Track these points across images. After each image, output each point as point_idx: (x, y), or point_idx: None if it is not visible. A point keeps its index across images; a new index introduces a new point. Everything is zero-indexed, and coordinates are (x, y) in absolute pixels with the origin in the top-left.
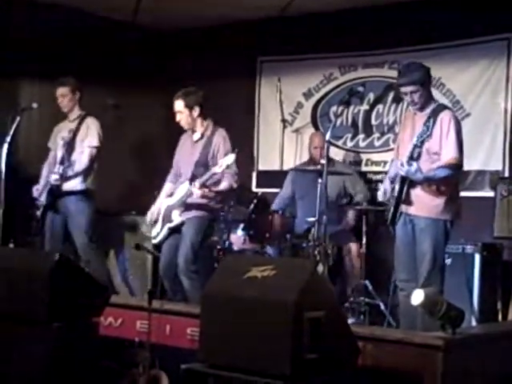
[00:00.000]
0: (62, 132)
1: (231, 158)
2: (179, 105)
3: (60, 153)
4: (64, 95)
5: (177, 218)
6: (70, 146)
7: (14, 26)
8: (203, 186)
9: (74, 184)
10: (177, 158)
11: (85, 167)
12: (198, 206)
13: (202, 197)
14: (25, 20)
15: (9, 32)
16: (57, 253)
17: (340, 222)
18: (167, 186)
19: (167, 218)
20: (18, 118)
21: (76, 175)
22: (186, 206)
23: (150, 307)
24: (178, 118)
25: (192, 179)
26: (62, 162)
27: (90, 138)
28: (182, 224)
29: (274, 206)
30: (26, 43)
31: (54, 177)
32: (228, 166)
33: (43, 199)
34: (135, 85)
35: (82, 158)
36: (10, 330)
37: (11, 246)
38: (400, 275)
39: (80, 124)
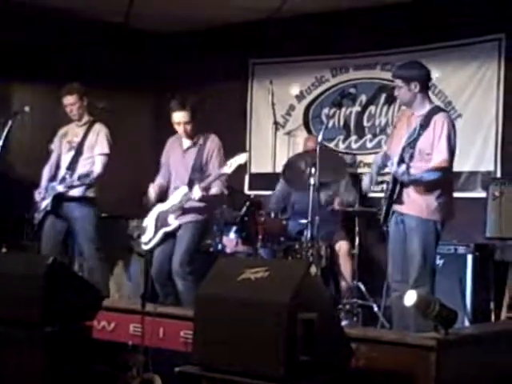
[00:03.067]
0: (68, 136)
1: (243, 157)
2: (186, 116)
3: (67, 158)
4: (73, 104)
5: (174, 221)
6: (77, 152)
7: (4, 29)
8: (204, 189)
9: (79, 190)
10: (164, 160)
11: (99, 175)
12: (194, 210)
13: (200, 200)
14: (16, 23)
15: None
16: (52, 257)
17: (332, 222)
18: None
19: (162, 223)
20: (10, 122)
21: (91, 184)
22: (183, 211)
23: (144, 310)
24: (184, 129)
25: (190, 184)
26: (69, 168)
27: (100, 145)
28: (178, 228)
29: (270, 207)
30: (16, 46)
31: (61, 186)
32: (240, 166)
33: (46, 204)
34: (125, 88)
35: (94, 166)
36: (3, 333)
37: (4, 250)
38: (393, 276)
39: (88, 130)
